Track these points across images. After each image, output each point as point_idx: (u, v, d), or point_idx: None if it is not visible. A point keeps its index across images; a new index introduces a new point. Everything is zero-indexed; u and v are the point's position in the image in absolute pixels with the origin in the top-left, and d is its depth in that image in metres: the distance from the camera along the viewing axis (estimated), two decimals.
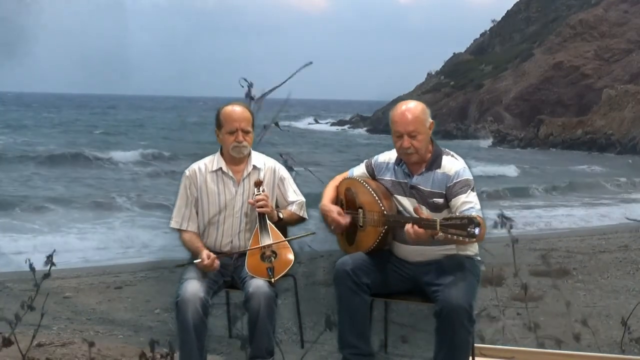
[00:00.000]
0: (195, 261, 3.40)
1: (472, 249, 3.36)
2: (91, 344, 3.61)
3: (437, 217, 3.14)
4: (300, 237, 3.58)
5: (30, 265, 3.50)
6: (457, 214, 3.11)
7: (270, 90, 4.23)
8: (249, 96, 4.21)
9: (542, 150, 37.06)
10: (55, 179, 18.87)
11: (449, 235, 2.95)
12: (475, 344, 3.37)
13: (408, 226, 3.04)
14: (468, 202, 3.16)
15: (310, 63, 4.38)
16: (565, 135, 38.47)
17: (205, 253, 3.42)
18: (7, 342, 3.51)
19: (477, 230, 2.87)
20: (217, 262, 3.43)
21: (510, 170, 25.25)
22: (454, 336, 3.08)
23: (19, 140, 30.58)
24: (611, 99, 38.07)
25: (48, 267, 3.51)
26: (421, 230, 3.02)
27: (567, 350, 3.89)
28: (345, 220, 3.43)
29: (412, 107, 3.28)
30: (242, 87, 4.16)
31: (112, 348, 4.17)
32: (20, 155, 23.76)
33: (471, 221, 2.88)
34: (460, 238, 2.91)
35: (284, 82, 4.27)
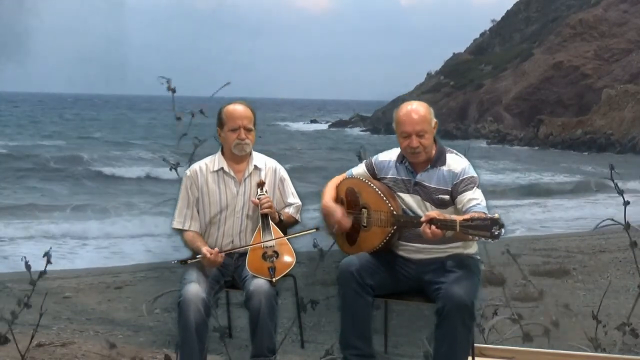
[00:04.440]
0: (198, 256, 3.39)
1: (473, 248, 3.37)
2: (112, 346, 3.62)
3: (443, 213, 3.17)
4: (303, 234, 3.56)
5: (26, 264, 3.52)
6: (464, 210, 3.14)
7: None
8: (170, 89, 4.26)
9: (542, 150, 37.08)
10: (52, 181, 18.85)
11: (470, 237, 2.96)
12: (475, 344, 3.37)
13: (425, 227, 3.02)
14: (474, 199, 3.18)
15: (228, 83, 4.44)
16: (565, 135, 38.49)
17: (206, 248, 3.41)
18: (4, 340, 3.52)
19: (502, 232, 2.86)
20: (221, 256, 3.41)
21: None
22: (455, 333, 3.08)
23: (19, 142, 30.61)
24: (611, 98, 38.08)
25: (45, 264, 3.54)
26: (439, 231, 3.01)
27: (567, 350, 3.89)
28: (348, 223, 3.43)
29: (418, 107, 3.30)
30: (162, 84, 4.22)
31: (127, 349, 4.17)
32: (18, 156, 23.77)
33: (495, 222, 2.86)
34: (483, 239, 2.91)
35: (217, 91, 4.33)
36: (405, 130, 3.26)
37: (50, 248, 3.71)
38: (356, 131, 51.80)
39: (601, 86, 40.88)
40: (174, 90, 4.25)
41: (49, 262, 3.58)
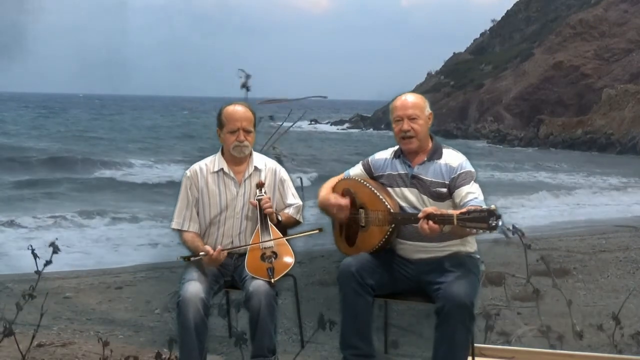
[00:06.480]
0: (201, 254, 3.39)
1: (472, 247, 3.38)
2: (106, 344, 3.62)
3: (440, 206, 3.20)
4: (306, 234, 3.54)
5: (33, 251, 3.51)
6: (462, 204, 3.16)
7: (277, 100, 4.28)
8: (245, 86, 4.23)
9: (542, 149, 37.08)
10: (51, 182, 18.82)
11: (467, 229, 2.97)
12: (475, 344, 3.37)
13: (422, 222, 3.03)
14: (472, 193, 3.21)
15: (325, 97, 4.46)
16: (565, 135, 38.49)
17: (209, 247, 3.40)
18: (9, 332, 3.52)
19: (500, 222, 2.87)
20: (223, 254, 3.40)
21: None
22: (454, 333, 3.09)
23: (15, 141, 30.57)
24: (611, 98, 38.07)
25: (50, 254, 3.54)
26: (436, 226, 3.02)
27: (568, 350, 3.89)
28: (345, 200, 3.44)
29: (411, 95, 3.43)
30: (240, 77, 4.20)
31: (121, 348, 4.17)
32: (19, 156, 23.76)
33: (492, 213, 2.87)
34: (481, 231, 2.92)
35: (294, 100, 4.33)
36: (398, 114, 3.35)
37: (56, 239, 3.72)
38: (357, 130, 51.79)
39: (601, 86, 40.88)
40: (248, 88, 4.22)
41: (55, 250, 3.57)
